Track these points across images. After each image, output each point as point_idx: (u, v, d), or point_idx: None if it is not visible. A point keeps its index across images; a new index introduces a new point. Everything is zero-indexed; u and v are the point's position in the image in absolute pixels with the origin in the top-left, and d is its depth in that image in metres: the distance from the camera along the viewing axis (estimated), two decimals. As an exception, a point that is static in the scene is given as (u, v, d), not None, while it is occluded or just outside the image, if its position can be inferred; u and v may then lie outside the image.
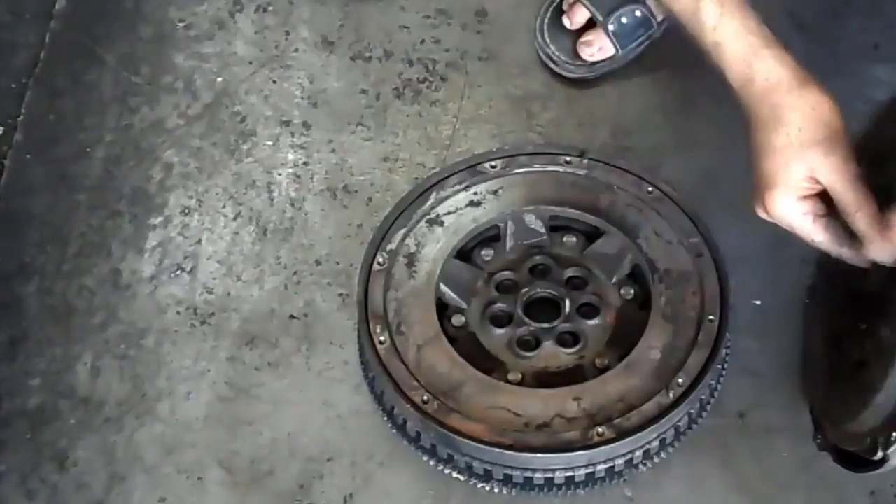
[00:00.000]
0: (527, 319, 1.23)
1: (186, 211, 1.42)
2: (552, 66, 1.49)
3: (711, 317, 1.19)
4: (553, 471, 1.14)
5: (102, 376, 1.29)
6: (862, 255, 1.02)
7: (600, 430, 1.13)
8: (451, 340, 1.21)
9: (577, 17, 1.47)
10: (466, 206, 1.29)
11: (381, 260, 1.25)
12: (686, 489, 1.20)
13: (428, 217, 1.28)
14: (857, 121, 1.41)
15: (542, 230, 1.29)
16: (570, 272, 1.26)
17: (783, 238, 1.33)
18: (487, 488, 1.17)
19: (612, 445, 1.12)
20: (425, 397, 1.16)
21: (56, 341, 1.32)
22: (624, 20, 1.44)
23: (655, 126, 1.45)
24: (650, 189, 1.29)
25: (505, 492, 1.17)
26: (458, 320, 1.25)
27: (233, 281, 1.36)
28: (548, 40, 1.49)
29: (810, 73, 1.04)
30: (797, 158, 1.00)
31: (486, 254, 1.28)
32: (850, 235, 1.03)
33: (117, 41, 1.56)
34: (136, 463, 1.24)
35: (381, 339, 1.20)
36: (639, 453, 1.16)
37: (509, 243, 1.29)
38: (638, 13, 1.45)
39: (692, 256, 1.24)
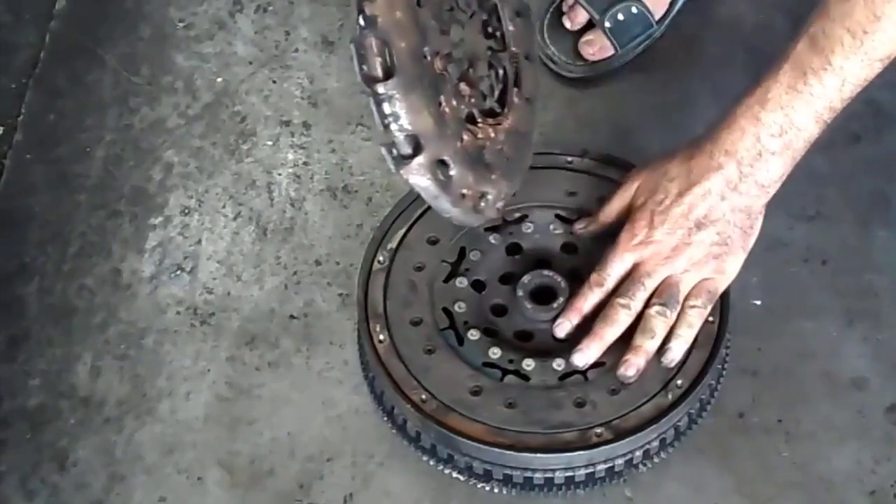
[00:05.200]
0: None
1: (186, 211, 1.42)
2: (552, 66, 1.49)
3: (711, 318, 1.19)
4: (553, 471, 1.14)
5: (102, 376, 1.29)
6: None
7: (599, 430, 1.13)
8: (451, 340, 1.21)
9: (578, 17, 1.47)
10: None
11: (381, 259, 1.25)
12: (686, 489, 1.20)
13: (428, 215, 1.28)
14: (857, 122, 1.42)
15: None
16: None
17: (783, 238, 1.34)
18: (487, 488, 1.17)
19: (611, 446, 1.12)
20: (424, 397, 1.16)
21: (56, 341, 1.32)
22: (620, 17, 1.45)
23: (655, 126, 1.45)
24: (650, 189, 1.29)
25: (505, 492, 1.17)
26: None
27: (233, 281, 1.36)
28: (548, 40, 1.49)
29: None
30: None
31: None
32: None
33: (117, 41, 1.56)
34: (136, 463, 1.23)
35: (381, 338, 1.20)
36: (639, 453, 1.16)
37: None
38: (634, 9, 1.45)
39: (692, 256, 1.24)
